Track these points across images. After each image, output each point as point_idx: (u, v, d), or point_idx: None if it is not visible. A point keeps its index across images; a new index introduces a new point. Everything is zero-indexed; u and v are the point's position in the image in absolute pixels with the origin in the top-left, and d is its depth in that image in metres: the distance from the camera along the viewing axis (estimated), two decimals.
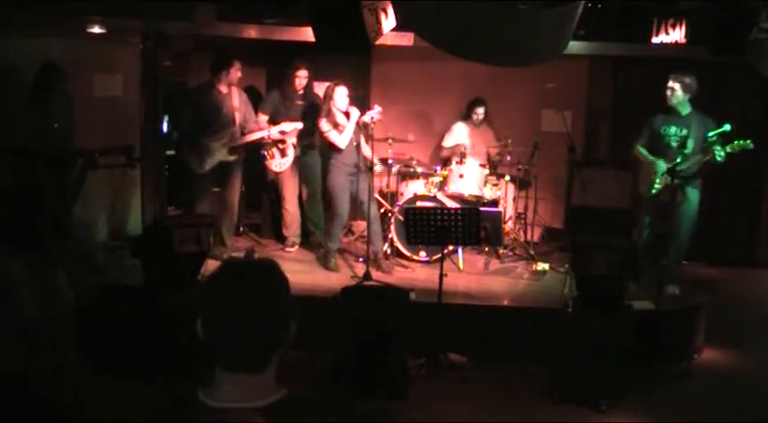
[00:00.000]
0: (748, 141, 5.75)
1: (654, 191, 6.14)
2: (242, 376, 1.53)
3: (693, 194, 6.12)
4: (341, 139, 6.46)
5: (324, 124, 6.50)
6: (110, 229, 7.20)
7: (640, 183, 6.40)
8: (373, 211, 6.62)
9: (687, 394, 5.15)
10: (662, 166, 6.07)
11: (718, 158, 5.80)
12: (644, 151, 6.27)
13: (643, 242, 6.36)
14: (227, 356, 1.53)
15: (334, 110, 6.47)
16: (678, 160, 5.97)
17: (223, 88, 6.57)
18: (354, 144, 6.52)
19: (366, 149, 6.66)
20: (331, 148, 6.57)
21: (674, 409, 4.86)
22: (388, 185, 7.58)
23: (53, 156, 5.94)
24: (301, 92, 7.04)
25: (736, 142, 5.77)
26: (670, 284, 6.16)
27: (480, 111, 7.66)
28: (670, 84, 6.08)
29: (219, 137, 6.52)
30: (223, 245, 6.70)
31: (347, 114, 6.48)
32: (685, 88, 6.04)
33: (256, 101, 7.23)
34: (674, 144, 6.10)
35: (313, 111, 7.11)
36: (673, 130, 6.12)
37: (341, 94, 6.50)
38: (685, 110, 6.11)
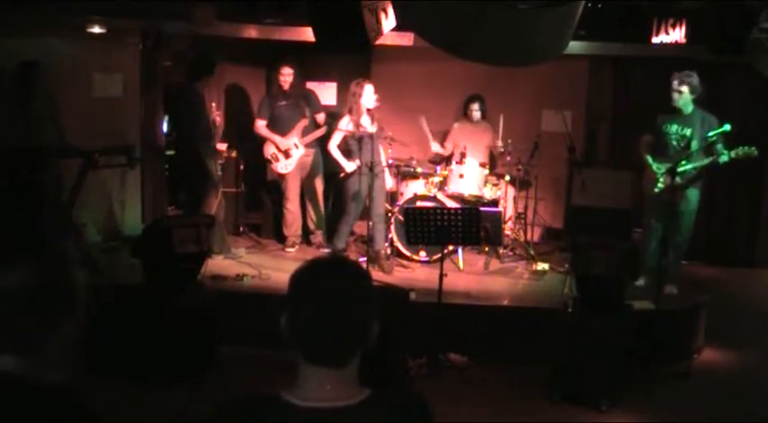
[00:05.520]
0: (753, 149, 5.73)
1: (657, 190, 6.12)
2: (326, 374, 1.53)
3: (693, 194, 6.11)
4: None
5: (346, 124, 6.48)
6: (109, 229, 7.20)
7: (645, 182, 6.36)
8: (380, 210, 6.63)
9: (687, 394, 5.14)
10: (662, 172, 6.04)
11: (722, 161, 5.80)
12: (650, 159, 6.19)
13: (651, 250, 6.24)
14: (311, 349, 1.53)
15: (361, 108, 6.44)
16: (683, 162, 5.86)
17: (203, 91, 6.64)
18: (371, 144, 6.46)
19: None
20: (348, 147, 6.58)
21: (674, 409, 4.86)
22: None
23: (44, 154, 5.93)
24: (288, 90, 7.03)
25: (740, 148, 5.75)
26: (668, 284, 6.14)
27: (475, 107, 7.62)
28: (677, 86, 6.00)
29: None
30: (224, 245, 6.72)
31: (371, 113, 6.46)
32: (693, 89, 5.99)
33: (242, 99, 7.25)
34: (675, 142, 6.08)
35: (313, 106, 7.13)
36: (674, 128, 6.08)
37: (369, 92, 6.46)
38: (688, 108, 6.06)
